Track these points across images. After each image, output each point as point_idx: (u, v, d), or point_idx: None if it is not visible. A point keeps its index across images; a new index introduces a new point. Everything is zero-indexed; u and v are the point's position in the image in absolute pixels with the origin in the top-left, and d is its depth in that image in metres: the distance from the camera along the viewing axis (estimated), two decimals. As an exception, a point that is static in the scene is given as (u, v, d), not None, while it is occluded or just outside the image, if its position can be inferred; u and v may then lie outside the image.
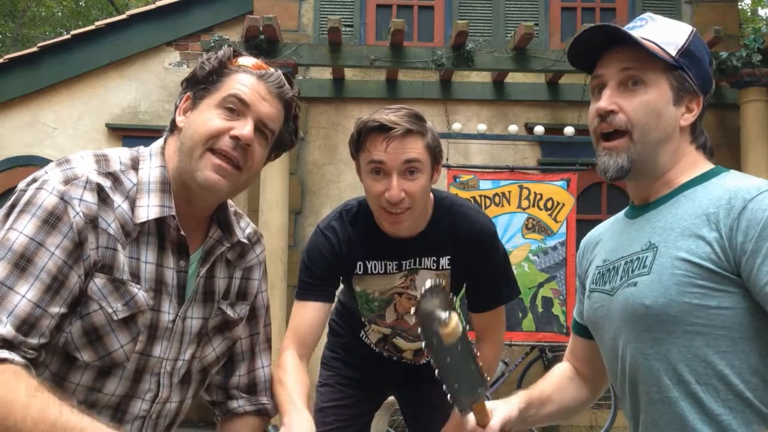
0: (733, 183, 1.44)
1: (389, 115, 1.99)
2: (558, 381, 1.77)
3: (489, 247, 2.18)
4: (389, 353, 2.44)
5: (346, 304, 2.47)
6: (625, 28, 1.55)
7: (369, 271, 2.20)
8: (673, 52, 1.51)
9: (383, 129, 1.97)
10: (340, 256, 2.16)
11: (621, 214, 1.69)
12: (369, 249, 2.17)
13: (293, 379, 1.88)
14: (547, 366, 6.22)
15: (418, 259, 2.18)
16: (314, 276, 2.15)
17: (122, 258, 1.47)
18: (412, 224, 2.08)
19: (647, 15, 1.59)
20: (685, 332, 1.41)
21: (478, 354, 1.53)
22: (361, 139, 2.03)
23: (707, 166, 1.55)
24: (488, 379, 1.50)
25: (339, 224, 2.18)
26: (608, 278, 1.58)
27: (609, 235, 1.67)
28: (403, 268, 2.20)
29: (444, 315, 1.45)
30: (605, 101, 1.50)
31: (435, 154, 2.06)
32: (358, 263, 2.19)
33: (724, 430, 1.38)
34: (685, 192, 1.50)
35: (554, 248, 6.23)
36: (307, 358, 2.08)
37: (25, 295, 1.35)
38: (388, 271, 2.20)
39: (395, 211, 2.01)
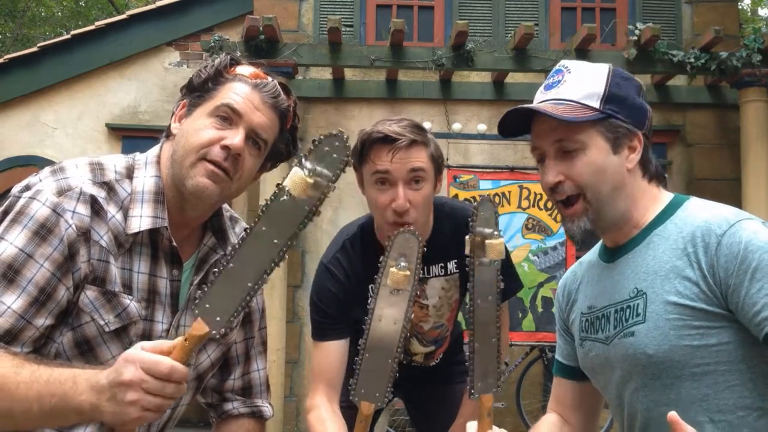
0: (701, 217, 1.46)
1: (393, 126, 2.00)
2: (550, 430, 1.72)
3: None
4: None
5: (359, 318, 2.47)
6: (544, 85, 1.55)
7: None
8: (597, 104, 1.48)
9: (388, 140, 1.98)
10: (350, 290, 2.15)
11: (594, 255, 1.68)
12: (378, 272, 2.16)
13: (331, 425, 1.94)
14: (547, 366, 6.22)
15: (426, 268, 2.19)
16: (328, 315, 2.14)
17: (114, 270, 1.46)
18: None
19: (563, 65, 1.56)
20: (692, 374, 1.42)
21: (501, 345, 1.50)
22: (365, 150, 2.03)
23: (666, 197, 1.56)
24: (502, 379, 1.47)
25: (344, 256, 2.17)
26: (599, 326, 1.58)
27: (588, 279, 1.67)
28: None
29: (492, 230, 1.44)
30: (551, 175, 1.50)
31: (438, 164, 2.08)
32: (370, 286, 2.19)
33: None
34: (656, 230, 1.51)
35: (554, 248, 6.23)
36: (337, 397, 2.09)
37: (10, 306, 1.36)
38: None
39: (401, 221, 2.00)
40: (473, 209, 1.44)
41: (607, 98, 1.49)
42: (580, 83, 1.50)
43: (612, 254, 1.59)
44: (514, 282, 2.29)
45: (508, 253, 2.31)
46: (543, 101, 1.53)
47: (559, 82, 1.53)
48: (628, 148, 1.51)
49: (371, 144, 2.02)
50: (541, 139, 1.52)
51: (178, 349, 1.24)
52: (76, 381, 1.26)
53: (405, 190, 1.98)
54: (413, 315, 2.27)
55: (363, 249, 2.17)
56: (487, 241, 1.42)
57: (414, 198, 2.00)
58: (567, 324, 1.73)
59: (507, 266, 2.29)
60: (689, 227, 1.45)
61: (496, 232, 1.42)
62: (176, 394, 1.23)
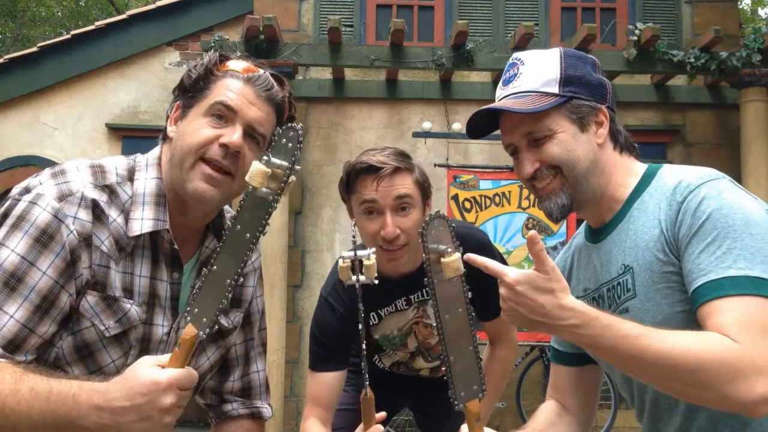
0: (670, 182, 1.48)
1: (376, 155, 2.04)
2: (548, 418, 1.72)
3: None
4: (404, 373, 2.45)
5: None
6: (502, 81, 1.58)
7: (382, 317, 2.23)
8: (556, 89, 1.52)
9: (372, 170, 2.01)
10: (350, 321, 2.15)
11: (581, 239, 1.70)
12: (377, 298, 2.15)
13: None
14: (547, 366, 6.22)
15: (425, 290, 2.20)
16: (327, 347, 2.17)
17: (115, 274, 1.45)
18: (410, 259, 2.10)
19: (516, 58, 1.59)
20: None
21: (478, 347, 1.50)
22: (351, 181, 2.06)
23: (640, 167, 1.59)
24: (485, 382, 1.47)
25: (341, 287, 2.18)
26: (596, 307, 1.56)
27: (578, 263, 1.69)
28: (413, 302, 2.22)
29: (446, 247, 1.42)
30: (527, 166, 1.53)
31: (424, 189, 2.10)
32: (371, 314, 2.21)
33: (748, 425, 1.41)
34: (634, 204, 1.53)
35: (554, 248, 6.23)
36: (330, 422, 2.15)
37: (13, 315, 1.34)
38: (400, 308, 2.22)
39: (392, 248, 2.03)
40: (423, 225, 1.43)
41: (565, 81, 1.52)
42: (535, 72, 1.54)
43: (597, 234, 1.61)
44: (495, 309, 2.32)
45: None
46: (503, 97, 1.57)
47: (515, 75, 1.56)
48: (594, 124, 1.54)
49: (356, 174, 2.05)
50: (510, 134, 1.55)
51: (173, 359, 1.26)
52: (77, 400, 1.25)
53: (393, 217, 2.01)
54: (420, 334, 2.30)
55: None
56: (442, 260, 1.40)
57: (403, 224, 2.03)
58: None
59: (490, 287, 2.30)
60: (663, 196, 1.47)
61: (450, 249, 1.40)
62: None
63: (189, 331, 1.27)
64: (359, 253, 1.62)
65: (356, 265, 1.62)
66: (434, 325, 2.26)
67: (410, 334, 2.30)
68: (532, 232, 1.35)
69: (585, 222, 1.67)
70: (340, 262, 1.64)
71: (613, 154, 1.56)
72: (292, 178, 1.31)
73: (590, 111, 1.53)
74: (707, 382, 1.27)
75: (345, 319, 2.15)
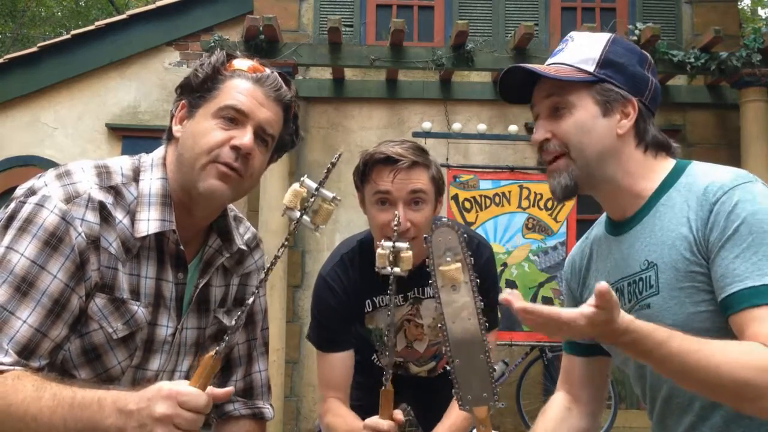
0: (701, 181, 1.47)
1: (395, 147, 2.04)
2: (558, 414, 1.72)
3: (487, 268, 2.21)
4: (402, 374, 2.46)
5: (358, 332, 2.50)
6: (551, 54, 1.60)
7: (377, 307, 2.23)
8: (592, 68, 1.51)
9: (390, 161, 2.02)
10: (348, 304, 2.19)
11: (601, 229, 1.68)
12: (374, 286, 2.16)
13: (350, 417, 2.04)
14: (547, 366, 6.22)
15: (420, 288, 2.21)
16: (328, 329, 2.20)
17: (122, 276, 1.44)
18: (416, 254, 2.11)
19: (570, 35, 1.60)
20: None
21: (491, 355, 1.49)
22: (367, 170, 2.07)
23: (668, 164, 1.56)
24: (497, 390, 1.46)
25: (341, 269, 2.19)
26: None
27: (597, 254, 1.67)
28: (408, 299, 2.23)
29: (449, 257, 1.43)
30: (539, 132, 1.54)
31: (439, 186, 2.11)
32: (367, 302, 2.21)
33: (764, 426, 1.40)
34: (661, 200, 1.51)
35: (554, 248, 6.23)
36: (347, 401, 2.17)
37: (26, 320, 1.33)
38: (396, 303, 2.22)
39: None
40: (430, 230, 1.44)
41: (602, 63, 1.52)
42: (578, 49, 1.55)
43: (619, 227, 1.59)
44: (498, 311, 2.32)
45: (495, 289, 2.33)
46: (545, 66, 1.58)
47: (561, 50, 1.58)
48: (620, 113, 1.52)
49: (373, 164, 2.05)
50: (536, 98, 1.57)
51: (193, 379, 1.27)
52: (102, 405, 1.25)
53: (405, 211, 2.01)
54: (409, 334, 2.30)
55: (361, 264, 2.20)
56: (440, 267, 1.41)
57: (414, 218, 2.03)
58: (578, 302, 1.73)
59: (497, 293, 2.30)
60: (692, 194, 1.46)
61: (449, 258, 1.40)
62: (200, 425, 1.26)
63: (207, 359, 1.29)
64: (398, 245, 1.68)
65: (390, 257, 1.70)
66: (425, 325, 2.30)
67: (400, 331, 2.30)
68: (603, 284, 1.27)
69: (605, 213, 1.66)
70: (379, 249, 1.68)
71: (634, 150, 1.54)
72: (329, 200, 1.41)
73: (619, 99, 1.51)
74: (755, 395, 1.27)
75: (343, 300, 2.17)
